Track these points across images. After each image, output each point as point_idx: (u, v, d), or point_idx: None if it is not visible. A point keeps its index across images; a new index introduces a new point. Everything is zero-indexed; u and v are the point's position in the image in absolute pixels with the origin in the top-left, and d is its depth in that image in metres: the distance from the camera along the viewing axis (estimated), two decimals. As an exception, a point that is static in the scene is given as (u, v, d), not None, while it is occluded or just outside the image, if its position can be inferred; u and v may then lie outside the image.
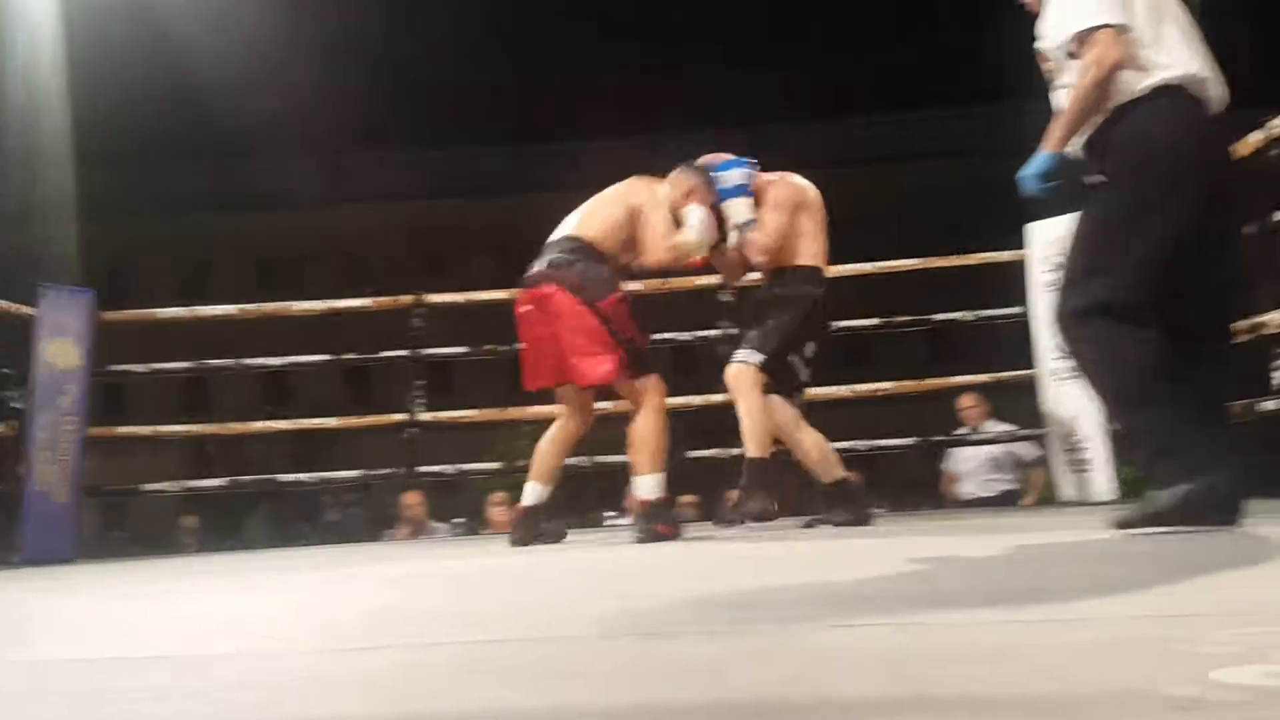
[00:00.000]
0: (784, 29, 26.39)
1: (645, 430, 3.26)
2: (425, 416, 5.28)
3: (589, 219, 3.46)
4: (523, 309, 3.42)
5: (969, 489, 6.26)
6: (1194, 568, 1.71)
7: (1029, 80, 2.69)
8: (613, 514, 7.56)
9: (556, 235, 3.48)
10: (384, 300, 5.58)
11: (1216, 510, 2.22)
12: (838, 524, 3.54)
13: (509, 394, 4.80)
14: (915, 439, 5.52)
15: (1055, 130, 2.46)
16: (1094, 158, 2.47)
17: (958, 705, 0.78)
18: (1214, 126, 2.44)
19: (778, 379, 3.61)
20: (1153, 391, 2.31)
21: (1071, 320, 2.43)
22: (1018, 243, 5.14)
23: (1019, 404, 5.75)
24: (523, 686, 0.95)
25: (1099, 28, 2.35)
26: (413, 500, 5.97)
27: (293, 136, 20.88)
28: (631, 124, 20.76)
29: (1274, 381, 3.86)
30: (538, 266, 3.38)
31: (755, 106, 20.78)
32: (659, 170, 3.73)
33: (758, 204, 3.70)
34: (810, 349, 3.69)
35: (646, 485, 3.23)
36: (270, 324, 5.92)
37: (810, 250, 3.72)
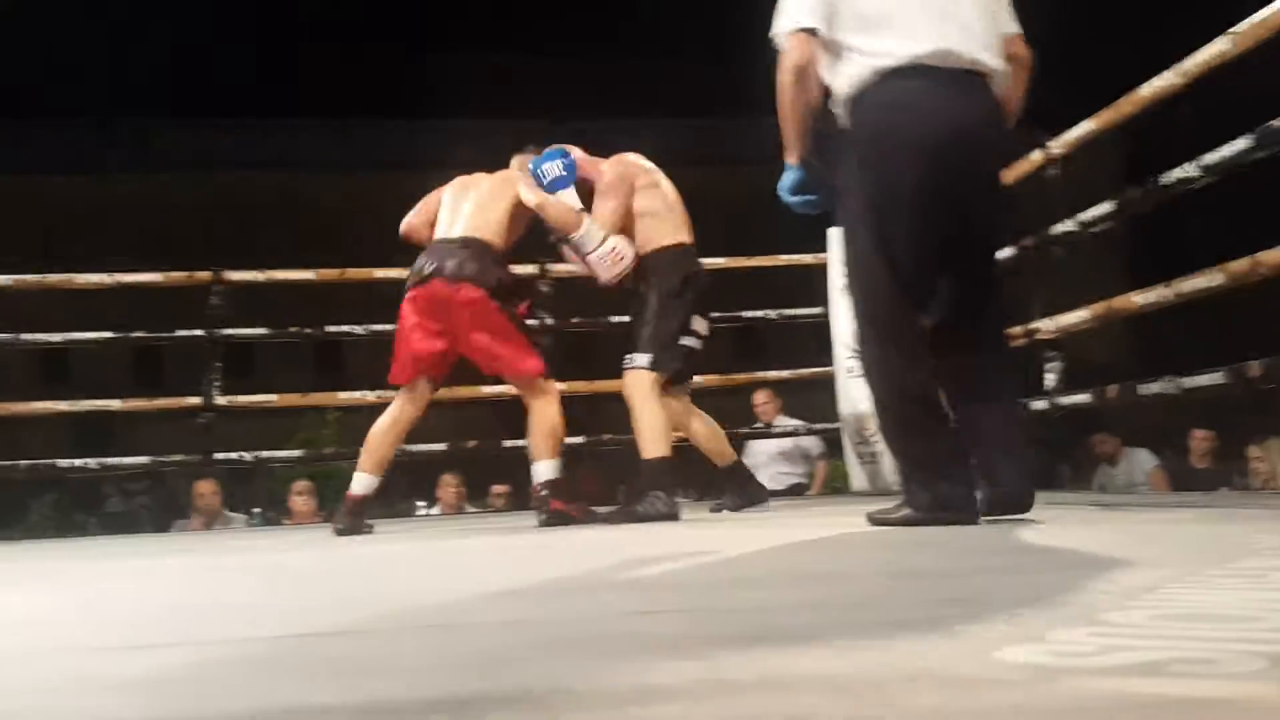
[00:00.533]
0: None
1: (548, 420, 3.37)
2: (222, 401, 5.03)
3: (480, 218, 3.43)
4: (416, 301, 3.37)
5: (760, 481, 6.47)
6: (982, 554, 1.82)
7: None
8: (423, 504, 7.42)
9: (452, 234, 3.41)
10: (177, 275, 5.27)
11: (960, 516, 2.29)
12: (735, 508, 3.63)
13: (315, 378, 4.61)
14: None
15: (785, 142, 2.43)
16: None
17: (754, 686, 0.79)
18: (949, 110, 2.26)
19: (673, 369, 3.44)
20: (907, 416, 2.35)
21: (855, 335, 2.51)
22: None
23: (813, 399, 6.00)
24: (323, 683, 0.91)
25: (787, 32, 2.32)
26: (206, 489, 5.67)
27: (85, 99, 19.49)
28: (456, 103, 20.38)
29: (1046, 383, 4.15)
30: (449, 265, 3.32)
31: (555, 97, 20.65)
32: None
33: (590, 192, 3.50)
34: (703, 327, 3.52)
35: (546, 469, 3.32)
36: (56, 299, 5.50)
37: (662, 230, 3.48)
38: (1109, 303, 3.62)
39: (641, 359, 3.37)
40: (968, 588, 1.37)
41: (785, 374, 5.89)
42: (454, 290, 3.30)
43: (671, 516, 3.24)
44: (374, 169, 19.71)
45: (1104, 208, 3.62)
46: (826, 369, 5.36)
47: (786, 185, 2.48)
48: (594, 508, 3.51)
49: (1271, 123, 2.81)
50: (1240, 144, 2.93)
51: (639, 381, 3.38)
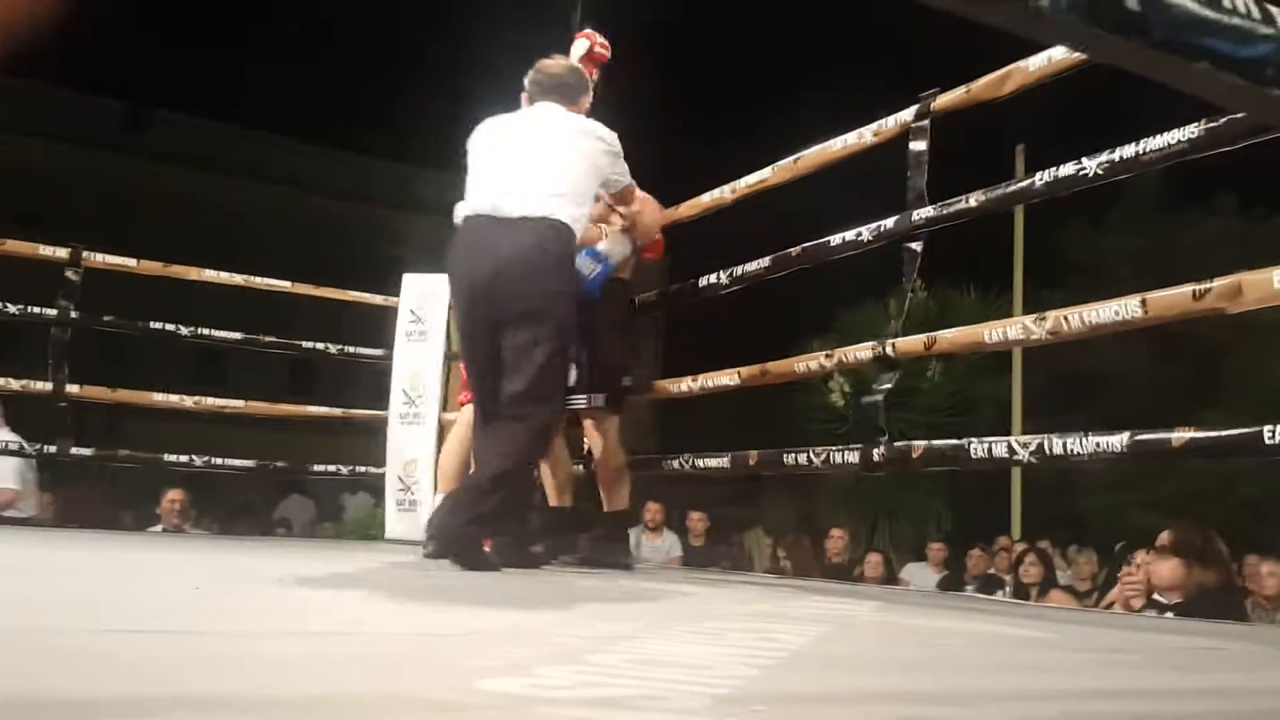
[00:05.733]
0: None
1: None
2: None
3: None
4: None
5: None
6: (480, 597, 1.86)
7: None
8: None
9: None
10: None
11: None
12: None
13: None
14: (255, 463, 5.36)
15: None
16: None
17: (220, 705, 0.75)
18: (483, 250, 2.73)
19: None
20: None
21: None
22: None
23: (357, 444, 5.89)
24: None
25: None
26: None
27: None
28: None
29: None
30: None
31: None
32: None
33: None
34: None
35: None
36: None
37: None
38: (656, 382, 3.80)
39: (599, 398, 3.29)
40: (458, 624, 1.40)
41: (337, 411, 5.68)
42: None
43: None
44: None
45: (650, 296, 3.84)
46: (380, 412, 5.28)
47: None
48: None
49: (789, 250, 3.20)
50: (763, 262, 3.28)
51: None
